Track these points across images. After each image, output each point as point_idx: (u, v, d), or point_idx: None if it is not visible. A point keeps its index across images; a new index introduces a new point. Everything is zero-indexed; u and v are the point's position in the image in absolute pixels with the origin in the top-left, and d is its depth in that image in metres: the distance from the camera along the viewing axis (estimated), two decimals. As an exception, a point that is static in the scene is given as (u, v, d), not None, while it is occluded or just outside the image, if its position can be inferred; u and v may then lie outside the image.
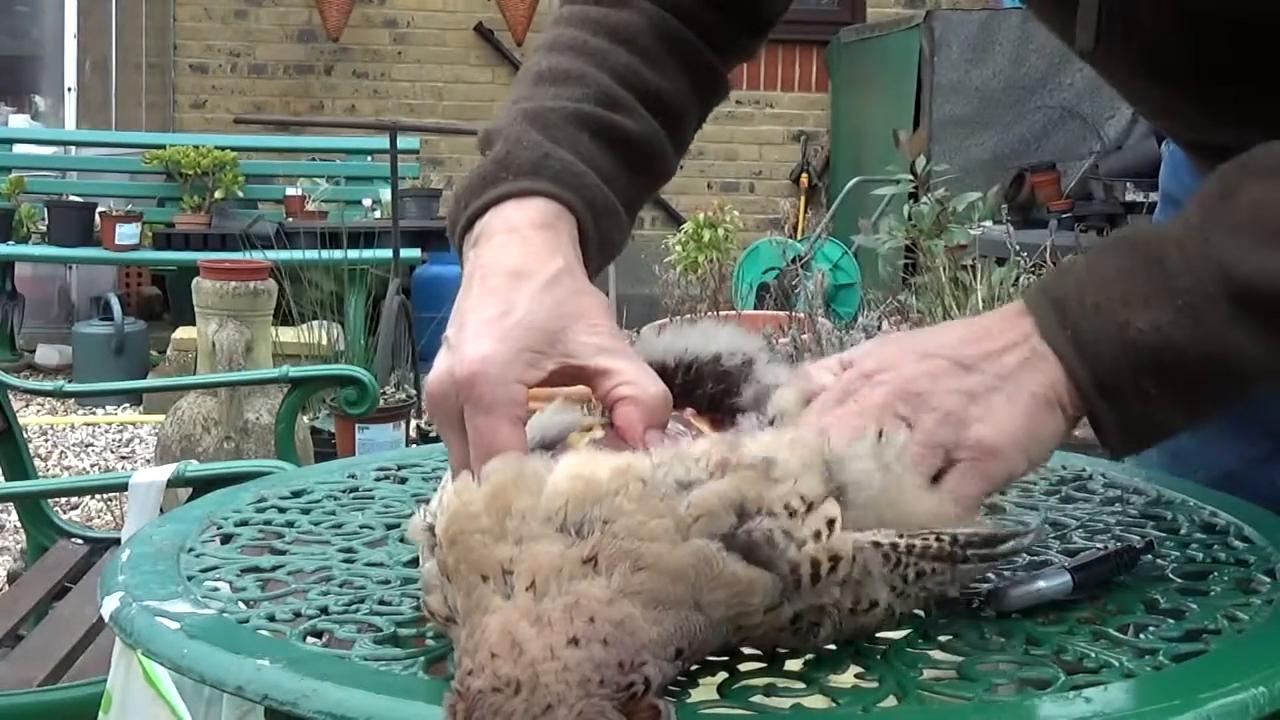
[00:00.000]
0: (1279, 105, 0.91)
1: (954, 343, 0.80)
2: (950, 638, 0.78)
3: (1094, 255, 0.81)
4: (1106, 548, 0.89)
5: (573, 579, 0.66)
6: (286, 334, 5.01)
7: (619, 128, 0.93)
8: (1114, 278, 0.79)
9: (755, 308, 6.19)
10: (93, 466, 5.03)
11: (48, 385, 3.05)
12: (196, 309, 4.19)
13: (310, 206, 6.65)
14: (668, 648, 0.67)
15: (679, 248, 5.38)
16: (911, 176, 5.55)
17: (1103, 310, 0.78)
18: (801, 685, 0.72)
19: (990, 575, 0.88)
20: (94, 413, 5.75)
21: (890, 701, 0.71)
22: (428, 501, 0.79)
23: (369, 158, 6.90)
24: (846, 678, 0.73)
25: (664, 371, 0.84)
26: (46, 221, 6.40)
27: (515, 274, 0.81)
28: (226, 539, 0.98)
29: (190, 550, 0.94)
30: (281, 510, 1.05)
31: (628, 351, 0.81)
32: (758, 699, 0.70)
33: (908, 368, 0.79)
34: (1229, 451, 1.12)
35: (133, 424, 5.58)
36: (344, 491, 1.10)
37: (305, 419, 4.14)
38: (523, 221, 0.85)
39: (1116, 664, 0.74)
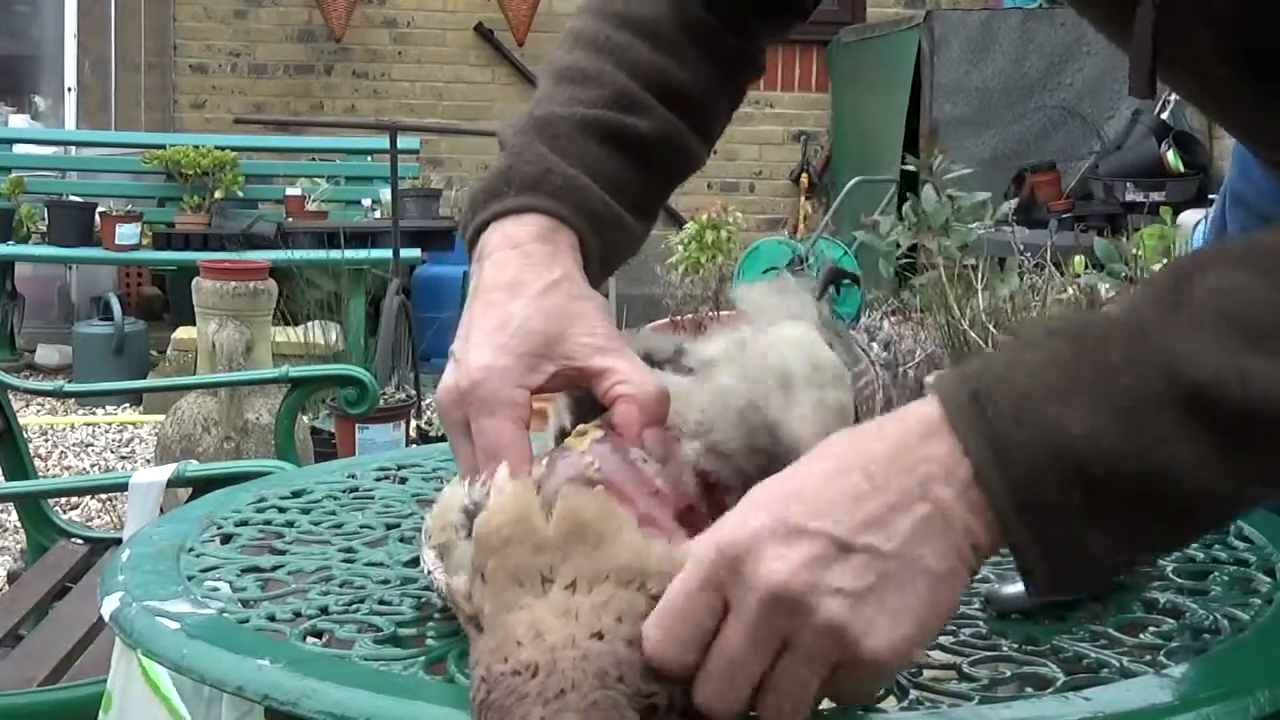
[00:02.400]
0: None
1: (836, 501, 0.66)
2: (950, 638, 0.78)
3: (1024, 341, 0.70)
4: (1107, 548, 0.89)
5: (615, 585, 0.66)
6: (286, 334, 5.01)
7: (633, 131, 0.94)
8: (1043, 369, 0.67)
9: (755, 308, 6.17)
10: (93, 466, 5.03)
11: (48, 385, 3.05)
12: (196, 309, 4.19)
13: (310, 206, 6.64)
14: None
15: (681, 248, 5.38)
16: (928, 171, 5.53)
17: (1029, 407, 0.65)
18: None
19: (990, 575, 0.88)
20: (94, 413, 5.75)
21: (890, 701, 0.71)
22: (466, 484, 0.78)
23: (369, 158, 6.89)
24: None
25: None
26: (46, 221, 6.40)
27: (512, 286, 0.84)
28: (226, 539, 0.98)
29: (190, 550, 0.94)
30: (281, 510, 1.05)
31: (625, 351, 0.82)
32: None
33: (780, 557, 0.64)
34: None
35: (133, 424, 5.58)
36: (344, 491, 1.10)
37: (305, 419, 4.14)
38: (521, 236, 0.87)
39: (1116, 664, 0.74)
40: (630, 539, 0.67)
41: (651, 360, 0.85)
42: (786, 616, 0.64)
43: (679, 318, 4.83)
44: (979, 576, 0.87)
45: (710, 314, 4.88)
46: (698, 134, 0.99)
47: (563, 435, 0.83)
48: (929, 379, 0.71)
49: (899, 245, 5.00)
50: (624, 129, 0.94)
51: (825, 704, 0.70)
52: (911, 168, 5.60)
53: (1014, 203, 5.32)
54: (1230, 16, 0.85)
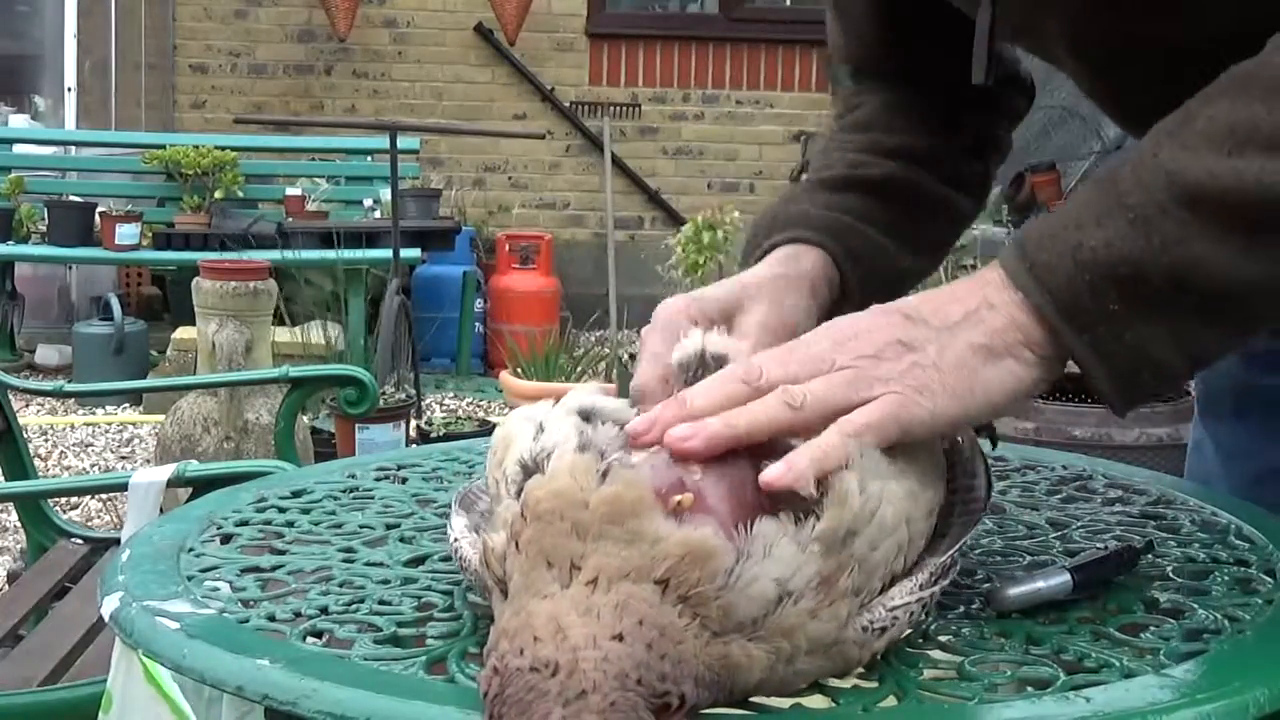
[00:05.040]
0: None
1: (912, 301, 0.80)
2: (950, 638, 0.78)
3: (1069, 195, 0.83)
4: (1107, 548, 0.89)
5: (636, 584, 0.66)
6: (285, 334, 5.01)
7: (862, 177, 1.08)
8: (1071, 208, 0.78)
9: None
10: (93, 466, 5.03)
11: (48, 385, 3.06)
12: (196, 309, 4.19)
13: (310, 206, 6.64)
14: (706, 675, 0.67)
15: (680, 249, 5.38)
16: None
17: (1058, 237, 0.77)
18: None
19: (991, 575, 0.88)
20: (94, 413, 5.75)
21: (890, 701, 0.71)
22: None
23: (369, 158, 6.90)
24: (846, 678, 0.74)
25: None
26: (46, 221, 6.40)
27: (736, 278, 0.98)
28: (226, 539, 0.98)
29: (190, 550, 0.94)
30: (281, 510, 1.05)
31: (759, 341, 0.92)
32: (758, 698, 0.70)
33: (855, 317, 0.79)
34: (1277, 448, 1.12)
35: (133, 424, 5.58)
36: (344, 491, 1.10)
37: (305, 419, 4.14)
38: (755, 272, 1.00)
39: (1116, 664, 0.74)
40: (656, 528, 0.67)
41: None
42: (843, 351, 0.76)
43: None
44: (979, 576, 0.88)
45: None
46: (937, 178, 1.11)
47: None
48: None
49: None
50: (853, 178, 1.08)
51: (824, 703, 0.71)
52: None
53: (1000, 188, 5.33)
54: (1064, 12, 0.95)
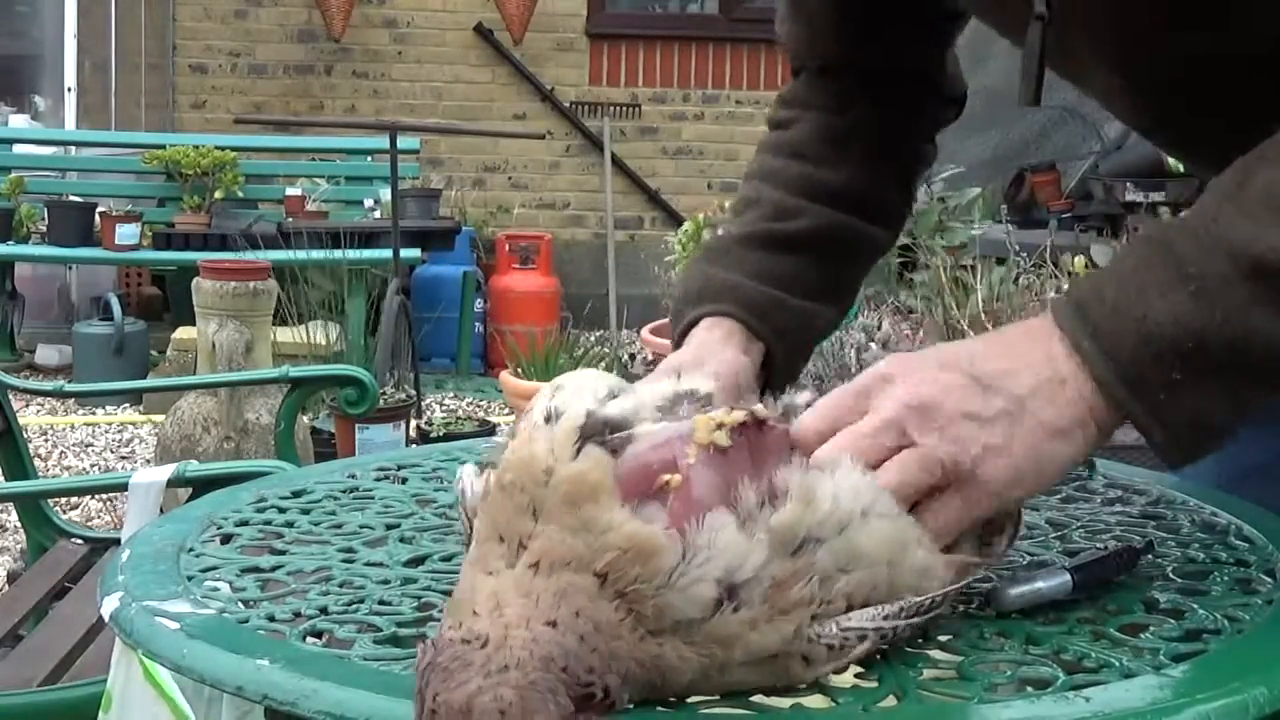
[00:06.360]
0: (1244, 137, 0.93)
1: (975, 355, 0.80)
2: (950, 638, 0.78)
3: (1117, 256, 0.82)
4: (1106, 548, 0.89)
5: (576, 573, 0.67)
6: (286, 334, 5.01)
7: (787, 233, 1.09)
8: (1130, 273, 0.79)
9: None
10: (93, 466, 5.03)
11: (48, 385, 3.05)
12: (196, 309, 4.18)
13: (310, 206, 6.64)
14: (637, 672, 0.67)
15: (679, 247, 5.38)
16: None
17: (1121, 306, 0.78)
18: (801, 685, 0.72)
19: (991, 575, 0.88)
20: (94, 413, 5.75)
21: (890, 701, 0.71)
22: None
23: (369, 158, 6.89)
24: (846, 677, 0.74)
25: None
26: (46, 221, 6.39)
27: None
28: (226, 539, 0.98)
29: (190, 550, 0.94)
30: (281, 510, 1.05)
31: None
32: (758, 698, 0.70)
33: (924, 375, 0.78)
34: (1259, 445, 1.12)
35: (133, 424, 5.58)
36: (344, 491, 1.10)
37: (305, 419, 4.14)
38: (693, 341, 1.04)
39: (1116, 664, 0.74)
40: (609, 518, 0.68)
41: None
42: (914, 418, 0.76)
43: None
44: (980, 577, 0.88)
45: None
46: (865, 218, 1.12)
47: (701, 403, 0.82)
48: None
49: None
50: (782, 233, 1.09)
51: (824, 703, 0.70)
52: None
53: (998, 187, 5.31)
54: (1109, 32, 0.95)
